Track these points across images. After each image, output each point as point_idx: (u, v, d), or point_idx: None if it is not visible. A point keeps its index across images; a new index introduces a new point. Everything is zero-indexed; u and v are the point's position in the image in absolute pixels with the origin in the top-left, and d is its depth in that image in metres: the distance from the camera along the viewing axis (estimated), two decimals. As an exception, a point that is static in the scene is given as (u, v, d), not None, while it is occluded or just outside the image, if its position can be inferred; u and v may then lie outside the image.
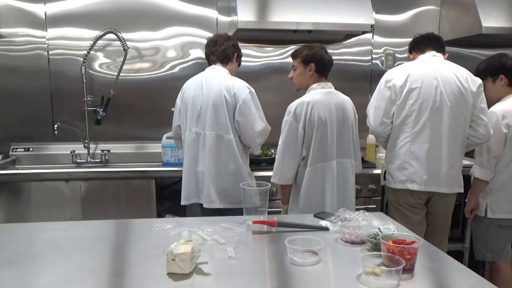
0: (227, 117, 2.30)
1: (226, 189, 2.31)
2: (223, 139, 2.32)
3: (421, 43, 2.43)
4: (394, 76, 2.32)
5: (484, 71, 2.49)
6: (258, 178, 2.41)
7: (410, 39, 2.58)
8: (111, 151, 3.21)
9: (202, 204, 2.41)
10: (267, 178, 2.45)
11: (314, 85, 2.27)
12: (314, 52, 2.26)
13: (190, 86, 2.42)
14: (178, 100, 2.49)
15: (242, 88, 2.32)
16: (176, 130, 2.52)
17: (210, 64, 2.46)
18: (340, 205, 2.14)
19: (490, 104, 2.48)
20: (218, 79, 2.36)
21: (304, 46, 2.31)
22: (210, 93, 2.32)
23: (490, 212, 2.45)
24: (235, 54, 2.46)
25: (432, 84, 2.25)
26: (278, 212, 2.36)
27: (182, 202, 2.44)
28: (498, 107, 2.46)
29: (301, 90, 2.34)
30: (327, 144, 2.20)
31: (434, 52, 2.37)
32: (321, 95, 2.23)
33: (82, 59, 3.09)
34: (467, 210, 2.54)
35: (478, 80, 2.31)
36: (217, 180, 2.33)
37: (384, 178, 2.44)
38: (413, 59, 2.45)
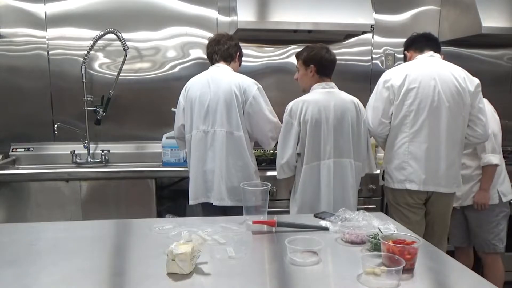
0: (238, 114, 2.32)
1: (235, 186, 2.31)
2: (233, 135, 2.33)
3: (420, 43, 2.42)
4: (392, 76, 2.32)
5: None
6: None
7: (410, 39, 2.58)
8: (111, 151, 3.21)
9: (205, 203, 2.41)
10: (268, 178, 2.46)
11: (315, 85, 2.29)
12: (314, 53, 2.28)
13: (195, 84, 2.41)
14: (181, 99, 2.47)
15: (251, 85, 2.35)
16: (179, 129, 2.51)
17: (212, 63, 2.47)
18: (337, 204, 2.15)
19: None
20: (225, 76, 2.37)
21: (305, 47, 2.34)
22: (218, 90, 2.32)
23: (503, 196, 2.59)
24: (237, 53, 2.48)
25: (430, 84, 2.25)
26: (278, 212, 2.35)
27: (190, 202, 2.42)
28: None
29: (306, 91, 2.34)
30: (320, 143, 2.22)
31: (431, 52, 2.37)
32: (319, 95, 2.24)
33: (82, 59, 3.09)
34: (486, 201, 2.57)
35: (476, 80, 2.32)
36: (227, 177, 2.33)
37: (383, 178, 2.44)
38: (410, 57, 2.45)
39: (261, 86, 2.39)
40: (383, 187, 2.53)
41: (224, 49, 2.42)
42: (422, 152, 2.27)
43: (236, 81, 2.33)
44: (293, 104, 2.25)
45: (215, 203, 2.35)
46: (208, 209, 2.39)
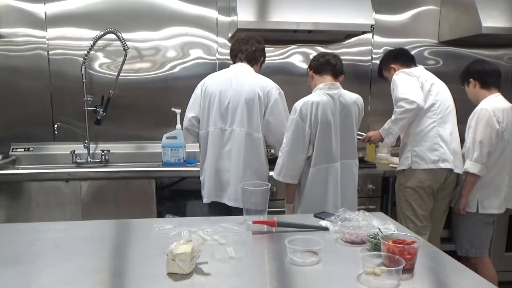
0: (259, 115, 2.30)
1: None
2: (252, 137, 2.30)
3: (405, 58, 2.76)
4: (411, 71, 2.60)
5: (460, 77, 2.72)
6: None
7: (410, 39, 2.64)
8: (111, 151, 3.20)
9: (208, 203, 2.39)
10: (268, 178, 2.45)
11: (321, 85, 2.27)
12: (312, 59, 2.42)
13: (216, 80, 2.38)
14: (198, 92, 2.42)
15: (274, 88, 2.34)
16: (191, 120, 2.44)
17: (234, 61, 2.45)
18: (342, 206, 2.14)
19: (471, 105, 2.65)
20: (249, 76, 2.35)
21: None
22: (241, 89, 2.29)
23: (482, 207, 2.55)
24: (262, 58, 2.47)
25: (441, 84, 2.64)
26: (278, 212, 2.35)
27: (205, 200, 2.41)
28: (487, 105, 2.53)
29: None
30: (331, 145, 2.20)
31: (421, 66, 2.73)
32: (326, 96, 2.22)
33: (82, 59, 3.09)
34: (462, 207, 2.57)
35: None
36: (242, 178, 2.27)
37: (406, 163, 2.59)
38: (397, 70, 2.71)
39: (282, 92, 2.38)
40: (404, 172, 2.60)
41: (251, 50, 2.40)
42: (447, 135, 2.55)
43: (261, 83, 2.31)
44: (302, 105, 2.19)
45: (230, 203, 2.32)
46: (215, 209, 2.37)
